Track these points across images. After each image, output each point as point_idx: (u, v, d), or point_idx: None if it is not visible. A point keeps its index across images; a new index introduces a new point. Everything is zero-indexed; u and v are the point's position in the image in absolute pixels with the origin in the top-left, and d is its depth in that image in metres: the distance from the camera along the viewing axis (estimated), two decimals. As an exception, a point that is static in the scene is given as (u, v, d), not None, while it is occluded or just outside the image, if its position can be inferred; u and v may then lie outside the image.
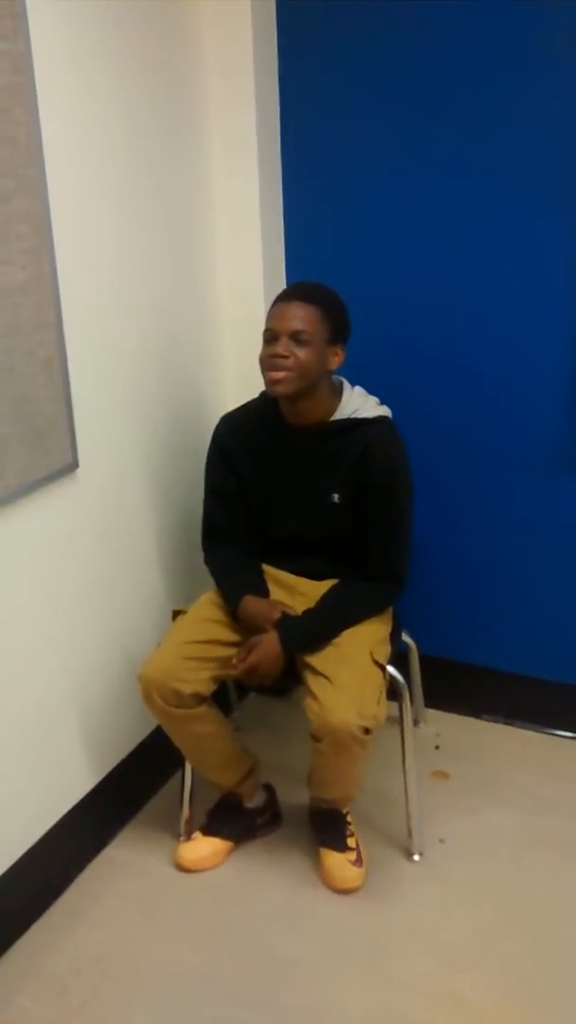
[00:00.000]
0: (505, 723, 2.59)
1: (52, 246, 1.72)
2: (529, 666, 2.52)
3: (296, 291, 1.87)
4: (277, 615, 1.90)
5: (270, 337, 1.85)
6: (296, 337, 1.81)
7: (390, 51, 2.17)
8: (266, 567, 2.09)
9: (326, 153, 2.31)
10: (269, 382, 1.85)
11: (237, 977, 1.80)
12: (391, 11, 2.14)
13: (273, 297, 2.27)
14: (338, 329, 1.87)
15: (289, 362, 1.81)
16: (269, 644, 1.86)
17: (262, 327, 1.88)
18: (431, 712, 2.63)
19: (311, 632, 1.91)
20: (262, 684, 1.92)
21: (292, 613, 1.92)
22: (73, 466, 1.88)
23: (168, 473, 2.27)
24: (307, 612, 1.94)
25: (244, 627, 1.95)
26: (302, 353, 1.81)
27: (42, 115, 1.67)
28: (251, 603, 1.94)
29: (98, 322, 1.93)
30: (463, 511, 2.46)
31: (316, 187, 2.35)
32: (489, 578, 2.50)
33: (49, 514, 1.85)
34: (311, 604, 1.96)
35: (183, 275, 2.23)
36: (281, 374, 1.82)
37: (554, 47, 2.02)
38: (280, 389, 1.84)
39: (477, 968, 1.80)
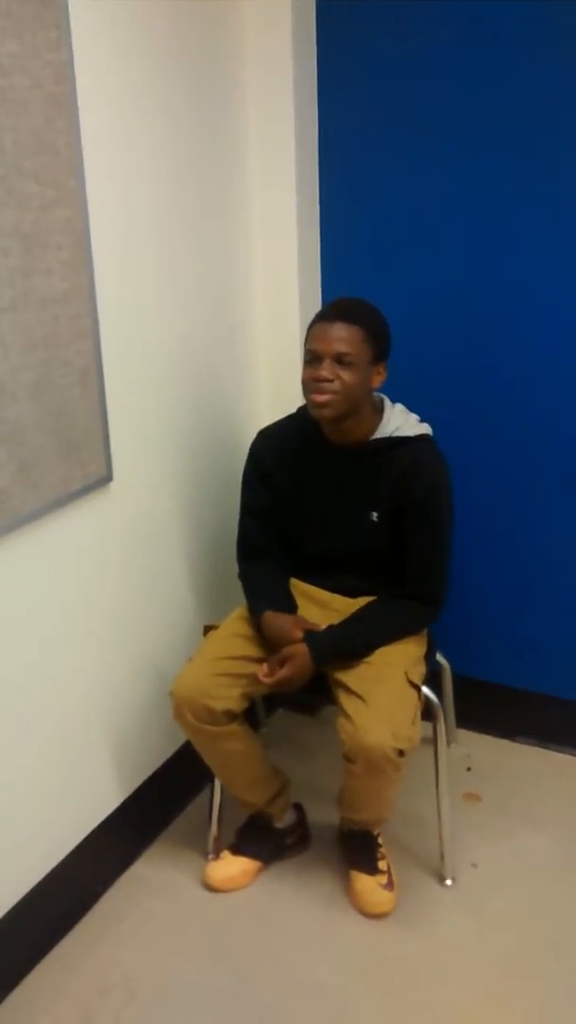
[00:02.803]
0: (539, 746, 2.54)
1: (90, 257, 1.71)
2: (564, 688, 2.47)
3: (338, 310, 1.82)
4: (298, 634, 1.86)
5: (312, 358, 1.80)
6: (340, 359, 1.77)
7: (435, 57, 2.13)
8: (300, 583, 2.07)
9: (364, 163, 2.28)
10: (313, 405, 1.81)
11: (264, 1001, 1.76)
12: (435, 14, 2.09)
13: (308, 310, 2.26)
14: (381, 348, 1.83)
15: (334, 385, 1.78)
16: (302, 657, 1.83)
17: (297, 341, 1.84)
18: (462, 733, 2.59)
19: (341, 643, 1.87)
20: (287, 694, 1.89)
21: (316, 630, 1.88)
22: (107, 479, 1.87)
23: (201, 486, 2.25)
24: (339, 624, 1.91)
25: (266, 642, 1.92)
26: (347, 375, 1.78)
27: (83, 125, 1.66)
28: (272, 619, 1.91)
29: (134, 334, 1.92)
30: (502, 530, 2.42)
31: (354, 198, 2.32)
32: (525, 598, 2.45)
33: (83, 526, 1.84)
34: (344, 621, 1.93)
35: (219, 287, 2.21)
36: (326, 397, 1.79)
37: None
38: (326, 413, 1.81)
39: (508, 1001, 1.75)
